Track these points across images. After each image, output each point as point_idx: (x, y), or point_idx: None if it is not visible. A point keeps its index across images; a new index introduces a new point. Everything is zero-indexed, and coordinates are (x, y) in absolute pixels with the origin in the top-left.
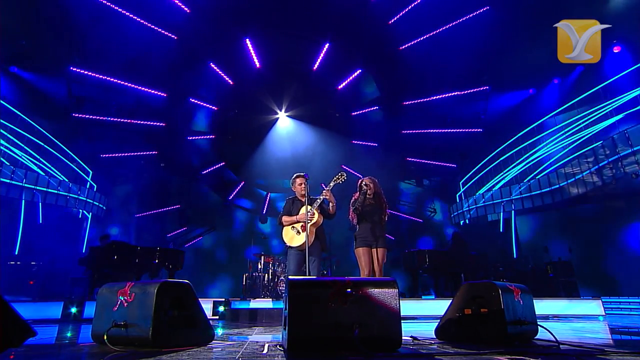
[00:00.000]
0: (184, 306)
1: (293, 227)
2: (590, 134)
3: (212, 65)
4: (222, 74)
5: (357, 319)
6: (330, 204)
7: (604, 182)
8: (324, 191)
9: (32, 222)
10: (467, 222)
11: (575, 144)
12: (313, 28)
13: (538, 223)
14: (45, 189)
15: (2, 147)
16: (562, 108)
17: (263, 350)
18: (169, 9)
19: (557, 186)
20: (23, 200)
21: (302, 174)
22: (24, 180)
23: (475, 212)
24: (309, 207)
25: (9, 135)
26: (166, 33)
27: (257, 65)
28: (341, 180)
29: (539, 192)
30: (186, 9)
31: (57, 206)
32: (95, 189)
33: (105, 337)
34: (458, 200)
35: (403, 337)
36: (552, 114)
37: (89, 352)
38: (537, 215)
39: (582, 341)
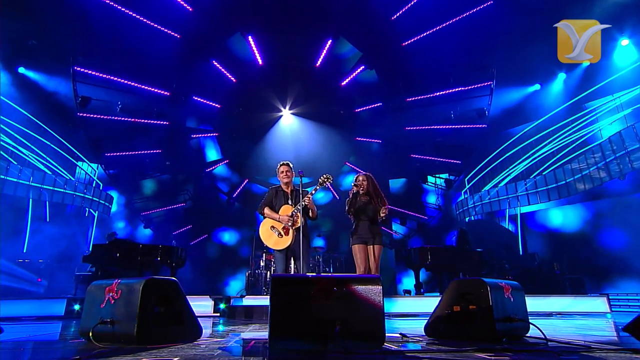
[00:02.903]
0: (170, 303)
1: (273, 227)
2: (597, 130)
3: (215, 63)
4: (225, 72)
5: (341, 316)
6: (311, 212)
7: (611, 177)
8: (305, 197)
9: (39, 220)
10: (473, 218)
11: (582, 139)
12: (315, 24)
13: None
14: (51, 188)
15: (9, 147)
16: (568, 103)
17: (247, 347)
18: (171, 8)
19: (564, 182)
20: (30, 199)
21: (287, 162)
22: (31, 179)
23: (481, 209)
24: (293, 210)
25: (16, 135)
26: (169, 32)
27: (260, 63)
28: (327, 184)
29: (545, 188)
30: (189, 7)
31: (63, 205)
32: (101, 188)
33: (90, 334)
34: (463, 197)
35: (393, 334)
36: (558, 109)
37: (72, 348)
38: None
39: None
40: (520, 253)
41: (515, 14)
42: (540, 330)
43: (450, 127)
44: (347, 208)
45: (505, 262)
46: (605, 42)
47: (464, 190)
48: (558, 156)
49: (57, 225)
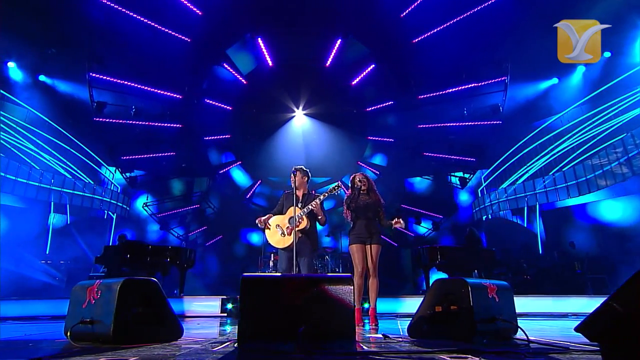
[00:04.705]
0: (150, 303)
1: (278, 226)
2: (619, 124)
3: (226, 66)
4: (236, 74)
5: (311, 316)
6: (319, 217)
7: (634, 173)
8: (313, 202)
9: (61, 222)
10: (490, 217)
11: (603, 134)
12: (324, 24)
13: None
14: (71, 191)
15: (30, 152)
16: (588, 97)
17: (217, 347)
18: (182, 12)
19: (584, 179)
20: (52, 203)
21: (299, 167)
22: (52, 181)
23: (498, 207)
24: (298, 212)
25: (37, 140)
26: (180, 36)
27: (270, 64)
28: (336, 192)
29: (564, 185)
30: (198, 11)
31: (83, 207)
32: (119, 190)
33: (68, 334)
34: (480, 195)
35: (375, 335)
36: (577, 103)
37: (51, 348)
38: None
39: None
40: (540, 252)
41: (528, 7)
42: (523, 331)
43: (463, 124)
44: (345, 207)
45: (523, 261)
46: (626, 32)
47: (480, 189)
48: (578, 152)
49: (77, 227)
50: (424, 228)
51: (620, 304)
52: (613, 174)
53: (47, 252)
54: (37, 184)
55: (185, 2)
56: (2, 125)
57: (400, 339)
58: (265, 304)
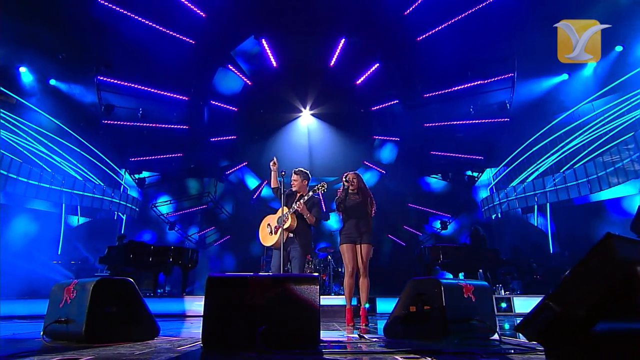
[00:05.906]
0: (125, 303)
1: (268, 225)
2: (631, 120)
3: (230, 67)
4: (241, 75)
5: (276, 317)
6: (305, 216)
7: None
8: (297, 203)
9: (71, 223)
10: (500, 216)
11: (614, 131)
12: (328, 24)
13: None
14: (82, 193)
15: (42, 154)
16: (599, 93)
17: (181, 346)
18: (185, 15)
19: (595, 176)
20: (63, 204)
21: (299, 169)
22: (63, 182)
23: (507, 206)
24: (285, 210)
25: (49, 143)
26: (184, 38)
27: (274, 65)
28: (321, 191)
29: (575, 183)
30: (202, 13)
31: (93, 209)
32: (127, 192)
33: (42, 333)
34: (489, 194)
35: (351, 335)
36: (588, 99)
37: (26, 346)
38: None
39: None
40: (551, 251)
41: (534, 2)
42: (497, 332)
43: (470, 122)
44: (336, 206)
45: (532, 260)
46: (638, 26)
47: (489, 187)
48: (589, 149)
49: (88, 229)
50: (433, 227)
51: (557, 303)
52: (625, 171)
53: (59, 253)
54: (48, 185)
55: (189, 5)
56: (14, 129)
57: (375, 340)
58: (230, 303)
